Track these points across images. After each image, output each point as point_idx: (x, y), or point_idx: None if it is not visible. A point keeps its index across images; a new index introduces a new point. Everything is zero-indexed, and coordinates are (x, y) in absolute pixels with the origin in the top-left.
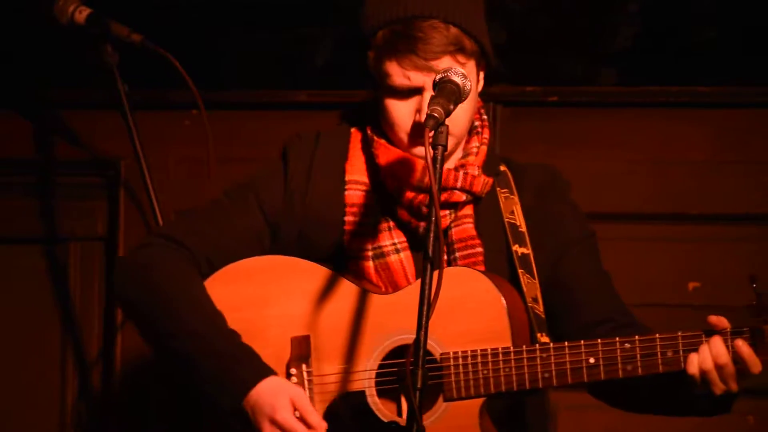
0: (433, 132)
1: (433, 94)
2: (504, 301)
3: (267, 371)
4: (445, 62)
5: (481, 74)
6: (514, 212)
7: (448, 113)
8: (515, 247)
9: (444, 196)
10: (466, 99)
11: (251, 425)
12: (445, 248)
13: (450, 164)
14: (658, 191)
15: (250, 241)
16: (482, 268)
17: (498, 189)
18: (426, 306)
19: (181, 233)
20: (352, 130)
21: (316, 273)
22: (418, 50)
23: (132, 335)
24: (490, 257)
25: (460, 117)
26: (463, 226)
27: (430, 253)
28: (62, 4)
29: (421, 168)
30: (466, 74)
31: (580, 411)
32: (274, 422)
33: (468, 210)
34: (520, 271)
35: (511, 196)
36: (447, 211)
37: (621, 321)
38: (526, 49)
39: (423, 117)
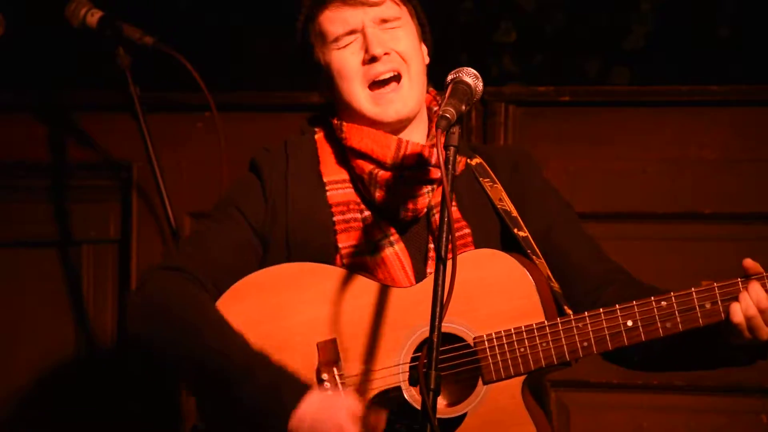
0: (445, 133)
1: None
2: (531, 277)
3: (305, 388)
4: None
5: (423, 47)
6: (502, 199)
7: (460, 114)
8: (516, 231)
9: (421, 173)
10: (478, 99)
11: None
12: (429, 236)
13: (419, 140)
14: (671, 190)
15: (246, 254)
16: (472, 248)
17: (481, 179)
18: (439, 308)
19: (181, 261)
20: (316, 136)
21: (327, 274)
22: None
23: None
24: (480, 241)
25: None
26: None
27: (443, 254)
28: (74, 7)
29: (396, 144)
30: (478, 74)
31: (593, 411)
32: None
33: None
34: (528, 251)
35: (495, 185)
36: (426, 188)
37: (622, 279)
38: (538, 48)
39: (373, 51)
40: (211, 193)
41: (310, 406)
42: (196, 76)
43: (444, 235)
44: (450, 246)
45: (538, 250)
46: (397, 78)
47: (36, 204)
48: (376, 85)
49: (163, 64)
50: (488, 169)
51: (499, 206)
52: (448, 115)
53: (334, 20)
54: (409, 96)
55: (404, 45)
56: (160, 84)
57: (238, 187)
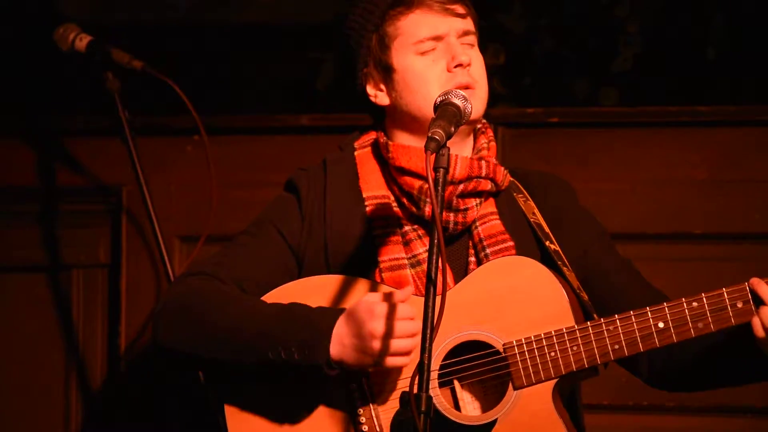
0: (434, 155)
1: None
2: (560, 282)
3: (336, 313)
4: (460, 9)
5: None
6: (535, 214)
7: (449, 136)
8: (547, 243)
9: (472, 185)
10: (467, 121)
11: (352, 360)
12: (471, 250)
13: (468, 154)
14: (660, 211)
15: (279, 270)
16: None
17: (515, 194)
18: (429, 330)
19: (211, 268)
20: (356, 153)
21: (356, 285)
22: None
23: (136, 363)
24: (521, 253)
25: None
26: (490, 222)
27: (433, 276)
28: (62, 31)
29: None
30: (467, 96)
31: None
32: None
33: (491, 207)
34: (558, 263)
35: (528, 201)
36: (475, 201)
37: (653, 295)
38: (527, 70)
39: (460, 59)
40: (201, 217)
41: (342, 326)
42: (185, 100)
43: (434, 257)
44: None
45: (568, 263)
46: (471, 89)
47: (25, 229)
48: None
49: (152, 88)
50: (522, 188)
51: (531, 219)
52: (437, 137)
53: (419, 23)
54: (475, 107)
55: (478, 64)
56: (149, 107)
57: (274, 206)
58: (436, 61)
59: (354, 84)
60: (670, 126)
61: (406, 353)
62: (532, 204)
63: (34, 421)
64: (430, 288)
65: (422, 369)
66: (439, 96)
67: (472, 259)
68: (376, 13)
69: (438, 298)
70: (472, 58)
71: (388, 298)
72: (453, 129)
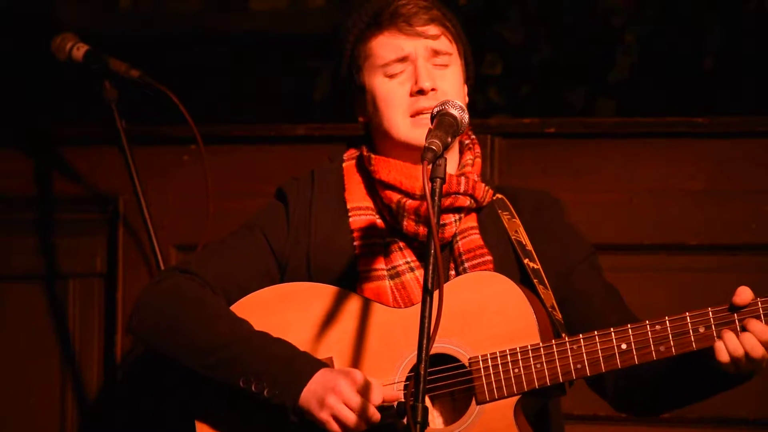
0: (431, 165)
1: (427, 87)
2: (528, 300)
3: (319, 364)
4: (432, 30)
5: (465, 87)
6: (518, 231)
7: (446, 146)
8: (526, 261)
9: (449, 201)
10: (464, 131)
11: (313, 417)
12: (452, 264)
13: (450, 170)
14: (657, 222)
15: (261, 274)
16: None
17: (500, 211)
18: (426, 339)
19: (194, 267)
20: (345, 164)
21: (331, 295)
22: (405, 19)
23: (132, 373)
24: (499, 269)
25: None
26: (470, 237)
27: (429, 286)
28: (60, 41)
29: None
30: (464, 107)
31: None
32: (324, 405)
33: (472, 221)
34: (535, 281)
35: (513, 219)
36: (453, 217)
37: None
38: (524, 80)
39: (422, 84)
40: (198, 226)
41: (321, 379)
42: (182, 109)
43: (431, 267)
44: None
45: (547, 282)
46: None
47: (21, 238)
48: (417, 115)
49: (149, 97)
50: (509, 205)
51: (513, 237)
52: (434, 147)
53: (387, 45)
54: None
55: (449, 84)
56: (146, 117)
57: (263, 211)
58: (402, 84)
59: (341, 98)
60: (666, 137)
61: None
62: (518, 222)
63: (31, 430)
64: (426, 298)
65: (418, 379)
66: (436, 106)
67: (452, 273)
68: (353, 32)
69: (410, 310)
70: (439, 79)
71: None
72: (450, 139)
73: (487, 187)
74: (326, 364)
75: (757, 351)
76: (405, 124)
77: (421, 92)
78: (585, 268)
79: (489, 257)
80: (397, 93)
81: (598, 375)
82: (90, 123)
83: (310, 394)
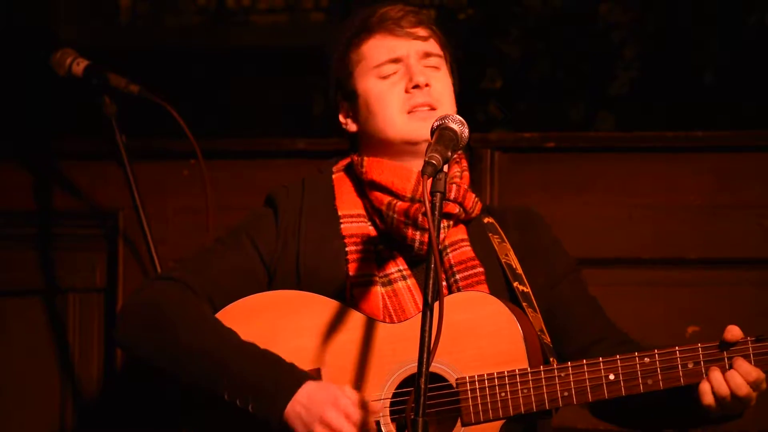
0: (431, 179)
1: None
2: (518, 324)
3: (303, 377)
4: (422, 32)
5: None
6: (508, 255)
7: (446, 160)
8: (516, 284)
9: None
10: (464, 145)
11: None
12: (443, 275)
13: None
14: (656, 236)
15: (247, 280)
16: (485, 287)
17: (490, 234)
18: (426, 354)
19: (180, 274)
20: (334, 175)
21: (321, 305)
22: (394, 22)
23: (131, 388)
24: (489, 282)
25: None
26: (461, 249)
27: (429, 300)
28: (60, 56)
29: (416, 177)
30: (464, 121)
31: None
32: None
33: (462, 234)
34: (524, 304)
35: (503, 243)
36: (444, 223)
37: (616, 339)
38: (523, 95)
39: (417, 79)
40: (198, 241)
41: (305, 394)
42: (182, 124)
43: (431, 282)
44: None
45: (536, 306)
46: (432, 109)
47: (21, 252)
48: (413, 111)
49: (149, 112)
50: (499, 228)
51: (503, 260)
52: (434, 162)
53: (379, 47)
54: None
55: (442, 85)
56: (146, 131)
57: (251, 217)
58: (396, 84)
59: (332, 114)
60: (666, 151)
61: None
62: (508, 246)
63: None
64: (426, 312)
65: (418, 393)
66: (436, 121)
67: (445, 284)
68: (342, 41)
69: (401, 325)
70: (433, 79)
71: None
72: (450, 153)
73: (476, 198)
74: (312, 375)
75: (742, 390)
76: (402, 120)
77: (416, 87)
78: (568, 283)
79: (481, 269)
80: (391, 91)
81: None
82: (90, 137)
83: (294, 413)
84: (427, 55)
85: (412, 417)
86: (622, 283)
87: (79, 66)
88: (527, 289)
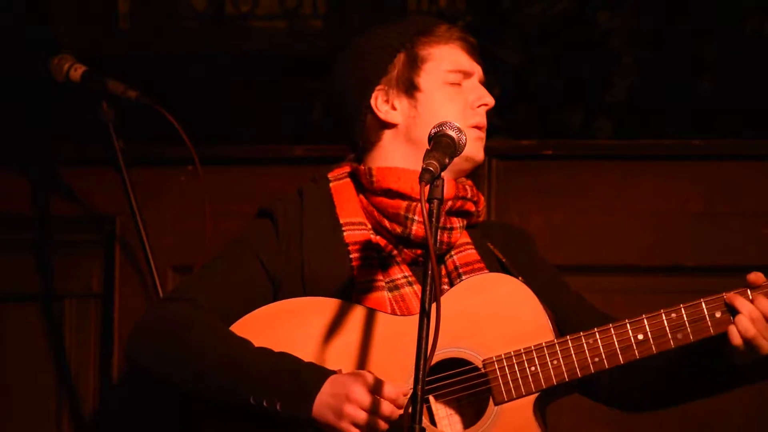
0: (428, 186)
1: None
2: (539, 300)
3: (327, 372)
4: (480, 60)
5: None
6: (501, 258)
7: (443, 167)
8: (520, 279)
9: (459, 204)
10: (461, 152)
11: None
12: (445, 279)
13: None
14: (653, 244)
15: (255, 294)
16: None
17: (483, 239)
18: (423, 360)
19: (189, 292)
20: (331, 184)
21: (332, 308)
22: (466, 39)
23: (128, 394)
24: None
25: None
26: (466, 252)
27: (426, 307)
28: (57, 62)
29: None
30: (461, 129)
31: None
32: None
33: (466, 238)
34: None
35: (490, 245)
36: (460, 222)
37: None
38: (521, 102)
39: (488, 100)
40: (195, 247)
41: (332, 386)
42: (179, 130)
43: (428, 288)
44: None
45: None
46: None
47: (18, 258)
48: (475, 128)
49: (146, 118)
50: (483, 235)
51: (501, 259)
52: (431, 169)
53: (454, 55)
54: (480, 151)
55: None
56: (144, 137)
57: (250, 230)
58: (461, 94)
59: (358, 99)
60: (664, 159)
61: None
62: (492, 248)
63: None
64: (424, 319)
65: (415, 400)
66: (434, 128)
67: (446, 287)
68: (406, 35)
69: (415, 317)
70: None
71: (368, 381)
72: (447, 160)
73: (484, 201)
74: (333, 372)
75: (762, 322)
76: (470, 134)
77: (483, 106)
78: (556, 290)
79: (486, 271)
80: (457, 100)
81: (590, 378)
82: (87, 143)
83: (323, 404)
84: (483, 81)
85: (410, 425)
86: (619, 290)
87: (77, 72)
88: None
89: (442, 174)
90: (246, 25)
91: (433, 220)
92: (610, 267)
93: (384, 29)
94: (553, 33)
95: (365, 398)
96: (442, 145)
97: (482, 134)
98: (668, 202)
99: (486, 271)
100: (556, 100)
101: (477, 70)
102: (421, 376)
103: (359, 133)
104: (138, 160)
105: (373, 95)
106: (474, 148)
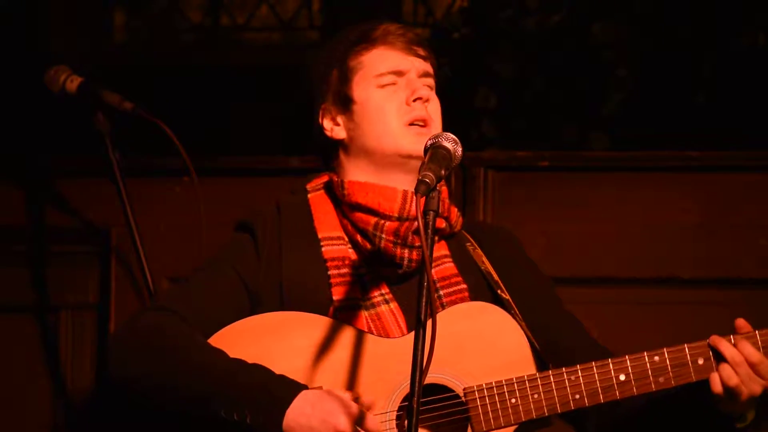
0: (424, 198)
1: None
2: (521, 329)
3: (299, 385)
4: (421, 51)
5: None
6: (484, 262)
7: (439, 179)
8: (498, 291)
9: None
10: (457, 164)
11: None
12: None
13: None
14: (649, 255)
15: (233, 308)
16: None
17: (467, 245)
18: (418, 373)
19: (169, 302)
20: (309, 195)
21: (316, 323)
22: (400, 37)
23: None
24: (474, 297)
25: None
26: (444, 265)
27: (422, 318)
28: (53, 73)
29: (402, 196)
30: (457, 140)
31: None
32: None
33: (443, 250)
34: (511, 312)
35: (477, 250)
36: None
37: (599, 351)
38: (517, 113)
39: (419, 93)
40: (191, 258)
41: (305, 402)
42: (175, 141)
43: (423, 300)
44: (430, 308)
45: (518, 313)
46: (426, 126)
47: (13, 269)
48: (412, 124)
49: (142, 129)
50: (470, 237)
51: (481, 267)
52: (427, 180)
53: (382, 58)
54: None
55: (434, 106)
56: (140, 148)
57: (230, 245)
58: (396, 94)
59: (311, 119)
60: (659, 171)
61: None
62: (480, 253)
63: None
64: (419, 330)
65: (411, 413)
66: (430, 139)
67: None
68: (339, 49)
69: (402, 339)
70: (430, 96)
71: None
72: (443, 172)
73: (459, 212)
74: (305, 386)
75: (742, 367)
76: (400, 131)
77: (417, 100)
78: (545, 299)
79: (464, 285)
80: (392, 101)
81: (577, 412)
82: (82, 154)
83: (293, 420)
84: (426, 74)
85: None
86: (615, 302)
87: (73, 83)
88: (507, 297)
89: (408, 189)
90: (242, 37)
91: (429, 232)
92: (605, 279)
93: (327, 46)
94: (548, 45)
95: (345, 426)
96: (438, 157)
97: (423, 129)
98: (664, 213)
99: (463, 284)
100: (552, 112)
101: (414, 65)
102: (417, 389)
103: (323, 150)
104: (133, 171)
105: (320, 114)
106: (414, 144)
